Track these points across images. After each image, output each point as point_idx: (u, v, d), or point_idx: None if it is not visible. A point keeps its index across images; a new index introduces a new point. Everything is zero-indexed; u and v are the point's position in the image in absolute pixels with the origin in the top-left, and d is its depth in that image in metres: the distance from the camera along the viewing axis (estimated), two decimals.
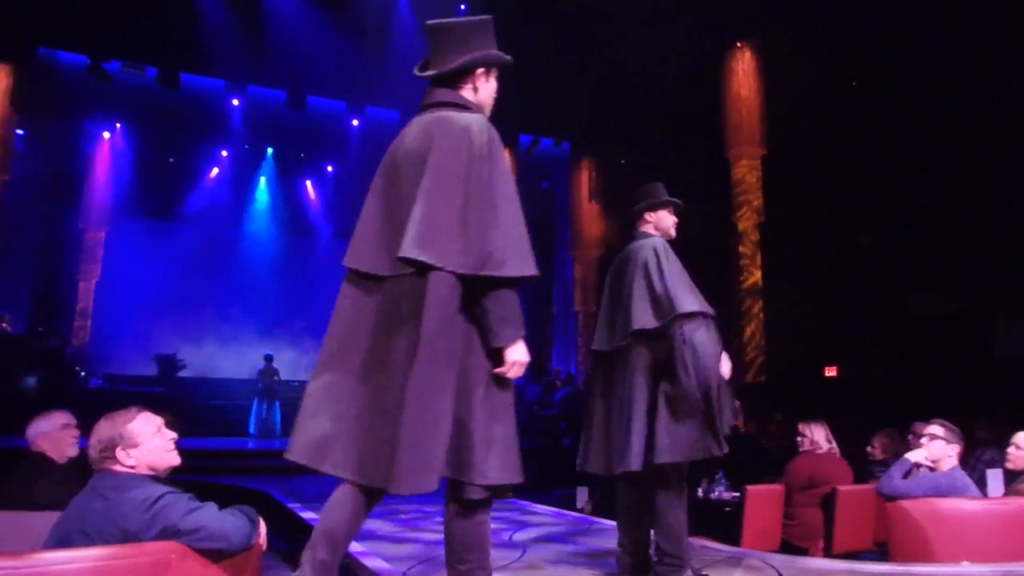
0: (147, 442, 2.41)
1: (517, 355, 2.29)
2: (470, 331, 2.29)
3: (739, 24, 12.68)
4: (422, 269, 2.20)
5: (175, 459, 2.50)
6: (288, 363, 16.22)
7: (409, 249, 2.19)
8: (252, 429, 13.43)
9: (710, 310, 3.27)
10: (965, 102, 10.33)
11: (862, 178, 11.91)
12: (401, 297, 2.28)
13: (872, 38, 11.14)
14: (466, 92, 2.50)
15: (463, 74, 2.49)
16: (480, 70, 2.50)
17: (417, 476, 2.12)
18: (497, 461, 2.29)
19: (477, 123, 2.36)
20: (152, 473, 2.42)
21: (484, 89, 2.53)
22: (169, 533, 2.19)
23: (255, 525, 2.40)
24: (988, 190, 10.23)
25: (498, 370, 2.30)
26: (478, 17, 2.55)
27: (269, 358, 14.04)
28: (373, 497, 2.34)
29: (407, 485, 2.12)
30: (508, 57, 2.55)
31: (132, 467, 2.37)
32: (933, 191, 11.11)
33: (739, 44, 12.94)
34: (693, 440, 3.11)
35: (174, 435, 2.52)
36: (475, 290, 2.24)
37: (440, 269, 2.19)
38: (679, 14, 11.84)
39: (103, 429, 2.40)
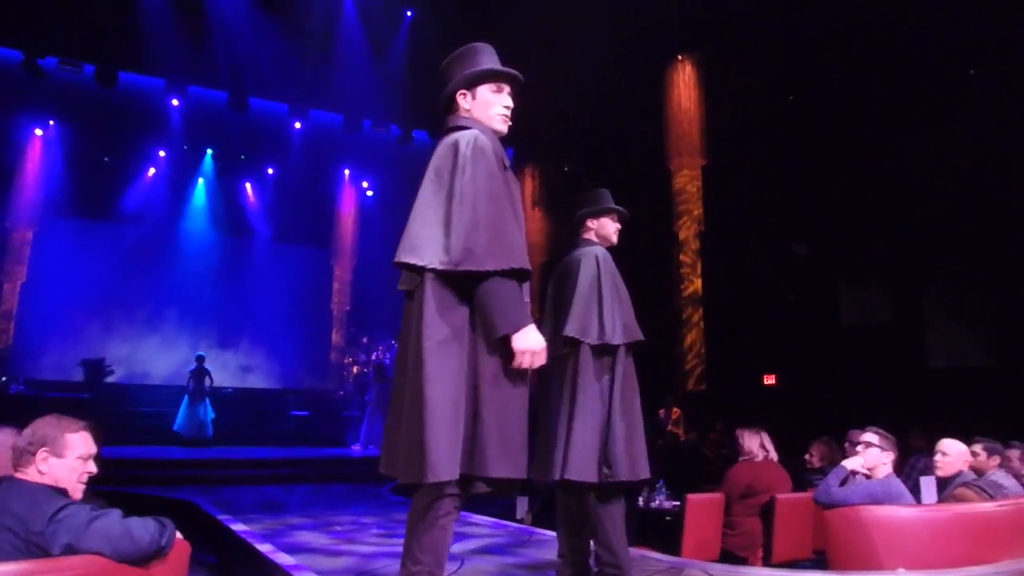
0: (71, 460, 2.38)
1: (523, 343, 2.33)
2: (473, 329, 2.39)
3: (680, 38, 12.88)
4: (415, 274, 2.41)
5: (78, 493, 2.42)
6: (223, 365, 15.90)
7: (399, 255, 2.43)
8: (177, 427, 13.07)
9: (637, 336, 3.38)
10: (898, 117, 10.62)
11: (798, 189, 12.15)
12: (411, 304, 2.47)
13: (808, 55, 11.41)
14: (461, 114, 2.68)
15: (450, 103, 2.71)
16: (459, 92, 2.68)
17: (411, 467, 2.27)
18: (500, 456, 2.32)
19: (465, 136, 2.52)
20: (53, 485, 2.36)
21: (475, 105, 2.67)
22: (74, 544, 2.15)
23: (166, 528, 2.32)
24: (921, 203, 10.52)
25: (514, 363, 2.35)
26: (459, 49, 2.75)
27: (200, 359, 13.76)
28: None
29: (404, 473, 2.31)
30: (480, 69, 2.67)
31: (42, 474, 2.33)
32: (865, 203, 11.39)
33: (680, 57, 13.12)
34: (596, 463, 3.18)
35: (94, 471, 2.46)
36: (468, 287, 2.36)
37: (423, 269, 2.38)
38: (622, 26, 11.94)
39: (44, 426, 2.39)
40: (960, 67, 10.00)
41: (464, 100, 2.68)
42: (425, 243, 2.40)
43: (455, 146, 2.49)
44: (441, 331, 2.33)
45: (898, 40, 10.30)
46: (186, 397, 13.32)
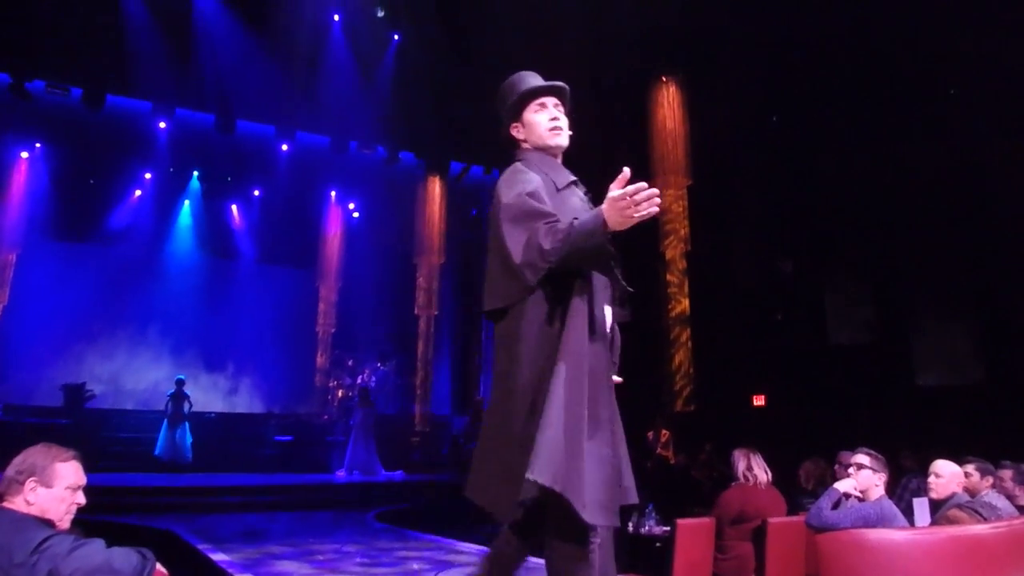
0: (59, 490, 2.36)
1: (610, 218, 2.17)
2: (530, 356, 2.33)
3: (664, 59, 12.95)
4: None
5: (66, 524, 2.39)
6: (206, 389, 15.75)
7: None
8: (158, 451, 12.97)
9: None
10: (881, 135, 10.68)
11: (783, 208, 12.19)
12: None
13: (791, 75, 11.49)
14: (521, 146, 2.70)
15: (508, 137, 2.74)
16: (512, 126, 2.71)
17: (473, 487, 2.37)
18: (546, 465, 2.15)
19: (506, 173, 2.55)
20: (39, 515, 2.32)
21: (527, 132, 2.69)
22: (54, 573, 2.12)
23: (147, 560, 2.27)
24: (905, 220, 10.55)
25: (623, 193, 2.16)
26: (500, 88, 2.79)
27: (180, 382, 13.67)
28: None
29: (471, 493, 2.39)
30: (516, 96, 2.69)
31: (29, 504, 2.31)
32: (850, 221, 11.42)
33: (664, 78, 13.17)
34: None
35: (82, 502, 2.44)
36: (520, 324, 2.35)
37: (483, 312, 2.50)
38: (606, 47, 12.01)
39: (34, 454, 2.37)
40: (941, 87, 10.08)
41: (518, 132, 2.69)
42: (495, 283, 2.43)
43: (497, 187, 2.52)
44: (500, 359, 2.40)
45: (880, 60, 10.39)
46: (165, 421, 13.22)
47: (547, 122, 2.65)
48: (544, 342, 2.30)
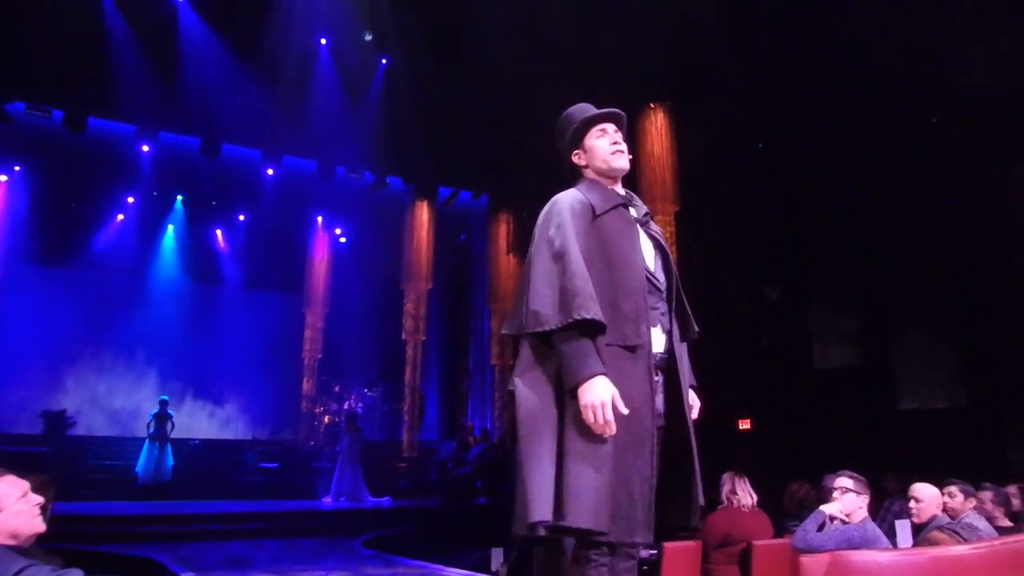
0: (11, 507, 2.31)
1: (584, 398, 2.33)
2: (553, 385, 2.46)
3: (653, 86, 13.08)
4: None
5: (39, 526, 2.37)
6: (191, 415, 15.65)
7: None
8: (138, 469, 12.98)
9: None
10: (865, 163, 10.83)
11: (770, 234, 12.30)
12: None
13: (778, 103, 11.64)
14: (583, 173, 2.84)
15: (571, 164, 2.88)
16: (573, 155, 2.84)
17: (514, 519, 2.36)
18: (570, 504, 2.29)
19: (553, 200, 2.67)
20: (14, 542, 2.28)
21: (588, 158, 2.82)
22: None
23: None
24: (889, 246, 10.69)
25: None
26: (557, 123, 2.93)
27: (164, 403, 13.72)
28: None
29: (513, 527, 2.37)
30: (575, 124, 2.83)
31: None
32: (835, 247, 11.55)
33: (652, 105, 13.30)
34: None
35: (40, 499, 2.41)
36: (547, 346, 2.46)
37: (508, 335, 2.62)
38: (594, 74, 12.12)
39: None
40: (925, 114, 10.25)
41: (579, 159, 2.83)
42: (511, 313, 2.62)
43: (542, 215, 2.66)
44: (523, 387, 2.47)
45: (864, 89, 10.55)
46: (147, 440, 13.20)
47: (609, 146, 2.78)
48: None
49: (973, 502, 4.46)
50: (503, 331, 2.65)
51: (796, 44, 10.75)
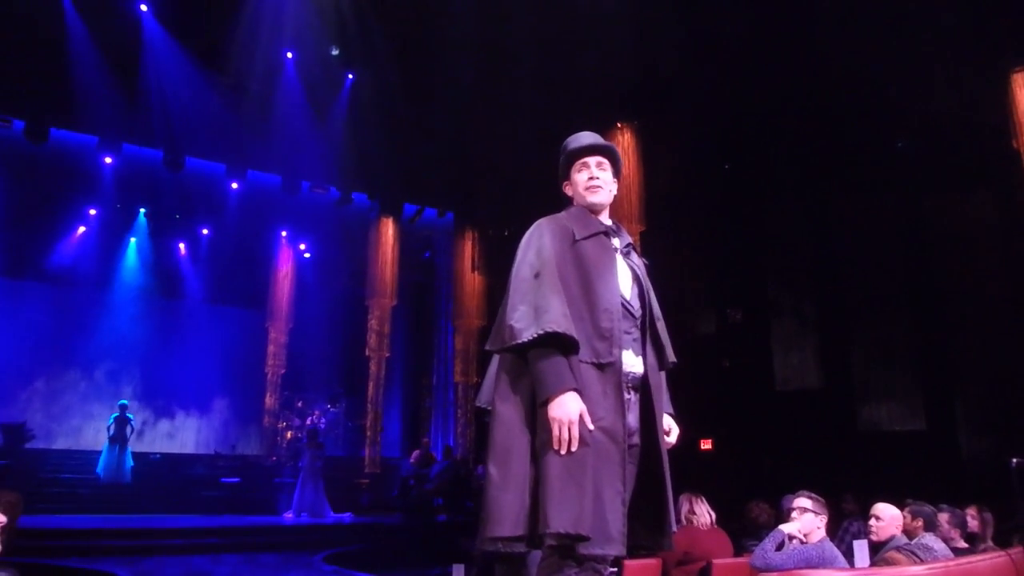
0: None
1: (553, 411, 2.36)
2: (529, 401, 2.49)
3: (620, 106, 13.20)
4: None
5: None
6: (152, 428, 15.46)
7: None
8: (99, 470, 13.24)
9: None
10: (829, 187, 11.05)
11: (733, 255, 12.45)
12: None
13: (744, 125, 11.83)
14: (574, 203, 2.91)
15: (564, 194, 2.97)
16: (564, 183, 2.95)
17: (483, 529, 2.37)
18: (551, 509, 2.30)
19: (537, 224, 2.74)
20: None
21: (574, 191, 2.90)
22: None
23: None
24: (850, 270, 10.88)
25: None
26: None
27: (123, 407, 13.90)
28: None
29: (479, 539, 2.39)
30: (568, 151, 2.92)
31: None
32: (797, 269, 11.73)
33: (619, 125, 13.42)
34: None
35: (1, 520, 2.31)
36: (525, 362, 2.49)
37: (490, 351, 2.66)
38: (562, 94, 12.21)
39: None
40: (889, 140, 10.46)
41: (568, 189, 2.93)
42: (495, 330, 2.64)
43: (526, 236, 2.73)
44: (501, 401, 2.52)
45: (830, 113, 10.74)
46: (107, 442, 13.40)
47: (585, 181, 2.84)
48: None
49: (930, 523, 4.53)
50: (486, 347, 2.68)
51: (763, 68, 10.93)
